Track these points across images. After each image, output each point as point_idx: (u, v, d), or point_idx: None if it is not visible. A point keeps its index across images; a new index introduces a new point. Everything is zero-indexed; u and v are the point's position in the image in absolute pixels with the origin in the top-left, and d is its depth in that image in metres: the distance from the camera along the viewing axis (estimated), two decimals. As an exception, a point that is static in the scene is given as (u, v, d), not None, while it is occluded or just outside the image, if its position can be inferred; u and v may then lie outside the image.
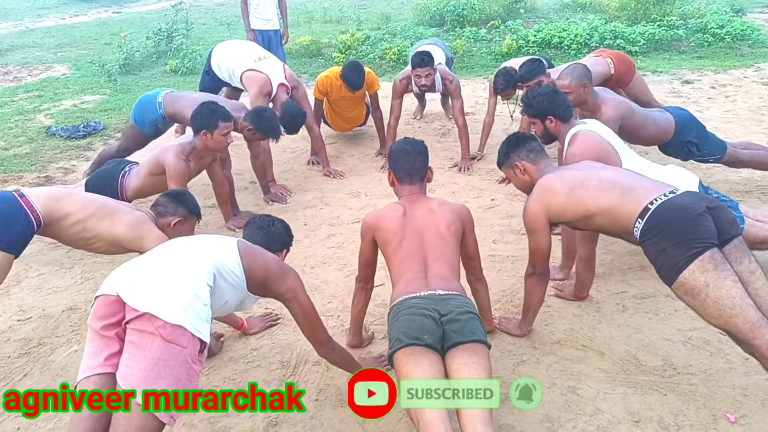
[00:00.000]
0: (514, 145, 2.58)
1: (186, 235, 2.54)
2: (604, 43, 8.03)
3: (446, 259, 2.18)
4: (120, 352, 1.73)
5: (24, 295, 3.15)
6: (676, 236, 2.03)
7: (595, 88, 3.44)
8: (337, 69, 4.77)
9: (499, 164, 2.67)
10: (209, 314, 1.86)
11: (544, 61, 4.50)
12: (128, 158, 3.94)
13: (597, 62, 4.10)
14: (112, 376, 1.71)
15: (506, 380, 2.33)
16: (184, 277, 1.84)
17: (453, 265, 2.20)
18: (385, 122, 4.89)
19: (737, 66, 7.22)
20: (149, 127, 4.08)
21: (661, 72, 7.09)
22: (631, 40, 8.06)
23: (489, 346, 2.01)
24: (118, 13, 14.80)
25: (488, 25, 9.40)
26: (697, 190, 2.78)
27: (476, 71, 7.62)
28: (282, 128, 4.23)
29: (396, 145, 2.51)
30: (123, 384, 1.66)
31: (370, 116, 5.13)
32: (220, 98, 4.15)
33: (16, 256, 2.53)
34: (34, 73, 8.52)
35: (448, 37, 9.01)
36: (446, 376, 1.93)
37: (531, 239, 2.47)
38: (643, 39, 8.07)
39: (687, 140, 3.46)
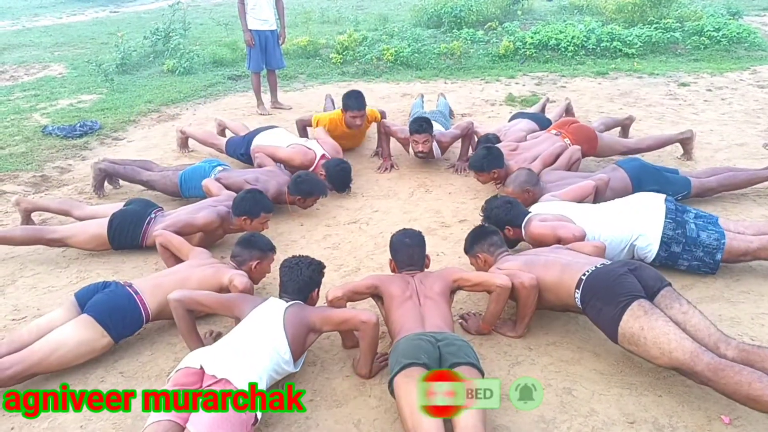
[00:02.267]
0: (477, 238, 2.90)
1: (268, 269, 2.96)
2: (601, 45, 8.07)
3: (440, 313, 2.43)
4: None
5: (19, 295, 3.14)
6: (606, 295, 2.33)
7: (543, 176, 3.73)
8: (337, 111, 4.85)
9: (465, 251, 2.97)
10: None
11: (535, 122, 4.58)
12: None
13: (555, 144, 4.10)
14: (180, 427, 1.97)
15: (503, 382, 2.33)
16: (256, 360, 2.20)
17: (446, 318, 2.43)
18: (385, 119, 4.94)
19: (733, 69, 7.26)
20: (190, 194, 4.09)
21: (657, 74, 7.12)
22: (628, 42, 8.09)
23: (482, 374, 2.15)
24: (115, 12, 14.80)
25: (485, 26, 9.42)
26: (665, 210, 3.00)
27: (473, 72, 7.63)
28: (333, 187, 4.20)
29: (396, 237, 2.82)
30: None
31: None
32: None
33: None
34: (31, 72, 8.50)
35: (446, 38, 9.03)
36: None
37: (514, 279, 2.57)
38: (640, 41, 8.11)
39: (648, 191, 3.40)
